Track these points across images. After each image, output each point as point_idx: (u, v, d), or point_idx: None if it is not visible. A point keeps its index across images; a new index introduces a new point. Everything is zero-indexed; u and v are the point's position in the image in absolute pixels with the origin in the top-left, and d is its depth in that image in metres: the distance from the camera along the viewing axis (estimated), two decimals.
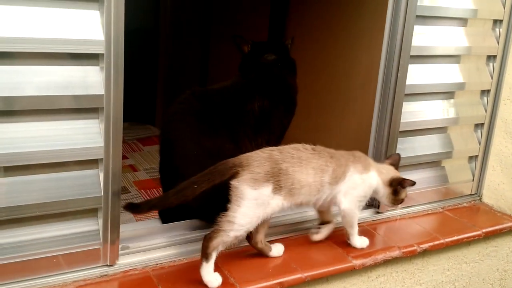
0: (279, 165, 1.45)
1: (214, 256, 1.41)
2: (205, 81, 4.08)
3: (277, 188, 1.44)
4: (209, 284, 1.41)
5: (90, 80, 1.31)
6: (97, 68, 1.32)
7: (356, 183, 1.58)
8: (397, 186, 1.63)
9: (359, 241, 1.67)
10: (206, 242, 1.41)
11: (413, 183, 1.62)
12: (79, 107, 1.31)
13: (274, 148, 1.50)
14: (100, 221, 1.40)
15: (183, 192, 1.40)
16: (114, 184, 1.38)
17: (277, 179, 1.44)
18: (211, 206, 1.65)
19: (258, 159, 1.45)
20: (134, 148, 3.80)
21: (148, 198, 3.01)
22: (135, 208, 1.42)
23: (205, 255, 1.40)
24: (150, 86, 4.59)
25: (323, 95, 2.82)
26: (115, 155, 1.36)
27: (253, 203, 1.42)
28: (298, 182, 1.47)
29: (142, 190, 3.11)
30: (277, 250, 1.60)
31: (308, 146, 1.56)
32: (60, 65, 1.29)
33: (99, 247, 1.41)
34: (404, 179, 1.62)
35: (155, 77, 4.62)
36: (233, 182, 1.42)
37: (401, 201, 1.67)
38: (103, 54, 1.29)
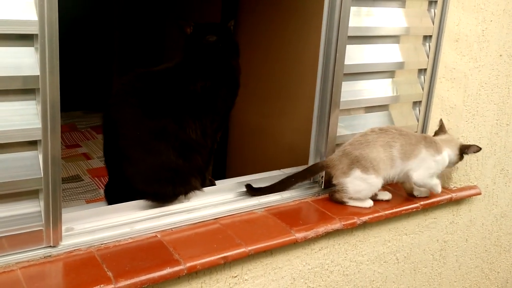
0: (352, 154, 1.80)
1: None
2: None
3: (364, 170, 1.79)
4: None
5: (25, 61, 1.31)
6: (31, 49, 1.32)
7: (431, 165, 1.87)
8: (464, 151, 1.93)
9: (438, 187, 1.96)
10: (333, 198, 1.87)
11: (479, 149, 1.92)
12: (15, 88, 1.31)
13: (346, 143, 1.85)
14: (42, 202, 1.41)
15: (285, 184, 1.86)
16: (54, 165, 1.39)
17: (359, 164, 1.79)
18: (156, 187, 1.68)
19: (337, 158, 1.83)
20: (88, 136, 3.78)
21: (102, 185, 3.01)
22: (254, 191, 1.81)
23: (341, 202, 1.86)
24: (104, 74, 4.54)
25: (273, 78, 2.87)
26: (54, 136, 1.37)
27: (355, 184, 1.81)
28: (374, 159, 1.79)
29: (96, 178, 3.11)
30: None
31: (376, 128, 1.86)
32: None
33: (41, 228, 1.42)
34: (473, 145, 1.93)
35: (110, 65, 4.57)
36: (334, 181, 1.85)
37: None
38: (37, 35, 1.29)
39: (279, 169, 2.07)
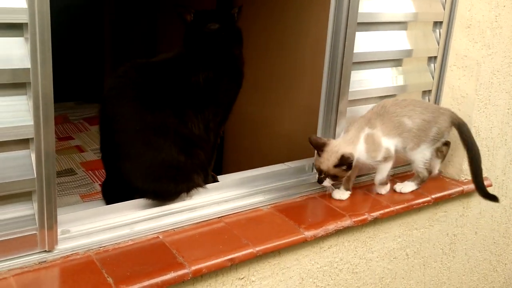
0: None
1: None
2: (154, 55, 3.94)
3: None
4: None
5: (14, 53, 1.20)
6: (21, 39, 1.21)
7: None
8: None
9: None
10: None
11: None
12: (4, 82, 1.20)
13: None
14: (35, 205, 1.31)
15: None
16: (48, 165, 1.29)
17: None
18: (156, 185, 1.59)
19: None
20: (81, 128, 3.66)
21: (97, 179, 2.91)
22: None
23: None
24: (96, 64, 4.41)
25: (273, 68, 2.77)
26: (47, 134, 1.27)
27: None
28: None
29: (90, 171, 3.00)
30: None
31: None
32: None
33: (35, 232, 1.32)
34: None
35: (102, 55, 4.44)
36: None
37: None
38: (27, 24, 1.18)
39: (277, 161, 1.98)
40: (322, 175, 1.70)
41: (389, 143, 1.77)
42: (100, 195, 1.85)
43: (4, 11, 1.17)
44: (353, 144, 1.71)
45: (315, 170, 1.77)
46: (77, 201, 2.53)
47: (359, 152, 1.72)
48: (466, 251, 2.24)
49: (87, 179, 2.89)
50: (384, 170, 1.79)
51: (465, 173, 2.07)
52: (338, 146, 1.69)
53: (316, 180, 1.74)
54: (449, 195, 1.97)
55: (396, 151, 1.80)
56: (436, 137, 1.82)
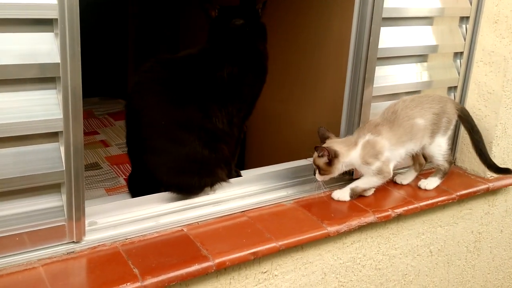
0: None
1: None
2: (177, 50, 3.97)
3: None
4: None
5: (45, 48, 1.23)
6: (51, 34, 1.24)
7: None
8: None
9: None
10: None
11: None
12: (34, 77, 1.24)
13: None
14: (64, 196, 1.34)
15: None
16: (76, 157, 1.32)
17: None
18: (181, 179, 1.61)
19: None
20: (106, 123, 3.71)
21: (122, 173, 2.95)
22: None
23: None
24: (120, 59, 4.46)
25: (295, 63, 2.76)
26: (76, 127, 1.29)
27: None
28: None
29: (115, 166, 3.04)
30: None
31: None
32: (11, 32, 1.20)
33: (64, 223, 1.35)
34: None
35: (125, 51, 4.49)
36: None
37: None
38: (57, 19, 1.21)
39: (299, 157, 1.98)
40: (314, 168, 1.72)
41: (396, 154, 1.74)
42: (125, 189, 1.88)
43: (34, 7, 1.20)
44: (349, 147, 1.70)
45: None
46: (102, 195, 2.57)
47: (353, 156, 1.70)
48: (491, 250, 2.21)
49: (112, 173, 2.93)
50: (369, 182, 1.74)
51: None
52: (332, 143, 1.71)
53: None
54: (474, 192, 1.94)
55: (409, 154, 1.80)
56: (447, 126, 1.82)
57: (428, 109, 1.79)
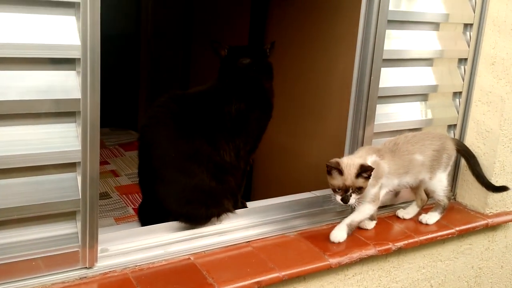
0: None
1: None
2: (187, 85, 4.09)
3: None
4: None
5: (67, 85, 1.33)
6: (73, 72, 1.34)
7: None
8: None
9: None
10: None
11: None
12: (57, 111, 1.33)
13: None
14: (79, 224, 1.42)
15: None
16: (92, 187, 1.40)
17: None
18: (189, 209, 1.68)
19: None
20: (116, 153, 3.80)
21: (131, 203, 3.02)
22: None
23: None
24: (131, 91, 4.59)
25: (301, 99, 2.86)
26: (93, 158, 1.38)
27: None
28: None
29: (124, 195, 3.12)
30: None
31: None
32: (37, 70, 1.31)
33: (77, 249, 1.42)
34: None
35: (137, 82, 4.62)
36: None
37: None
38: (79, 59, 1.31)
39: (305, 190, 2.05)
40: (349, 192, 1.65)
41: (390, 183, 1.80)
42: (133, 219, 1.95)
43: (59, 48, 1.30)
44: (362, 159, 1.71)
45: (334, 197, 1.71)
46: (111, 224, 2.64)
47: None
48: (492, 285, 2.24)
49: (121, 202, 3.00)
50: (364, 212, 1.76)
51: (490, 206, 2.10)
52: (352, 160, 1.69)
53: (340, 203, 1.69)
54: (474, 227, 1.99)
55: (403, 186, 1.87)
56: (447, 162, 1.90)
57: (429, 145, 1.86)
